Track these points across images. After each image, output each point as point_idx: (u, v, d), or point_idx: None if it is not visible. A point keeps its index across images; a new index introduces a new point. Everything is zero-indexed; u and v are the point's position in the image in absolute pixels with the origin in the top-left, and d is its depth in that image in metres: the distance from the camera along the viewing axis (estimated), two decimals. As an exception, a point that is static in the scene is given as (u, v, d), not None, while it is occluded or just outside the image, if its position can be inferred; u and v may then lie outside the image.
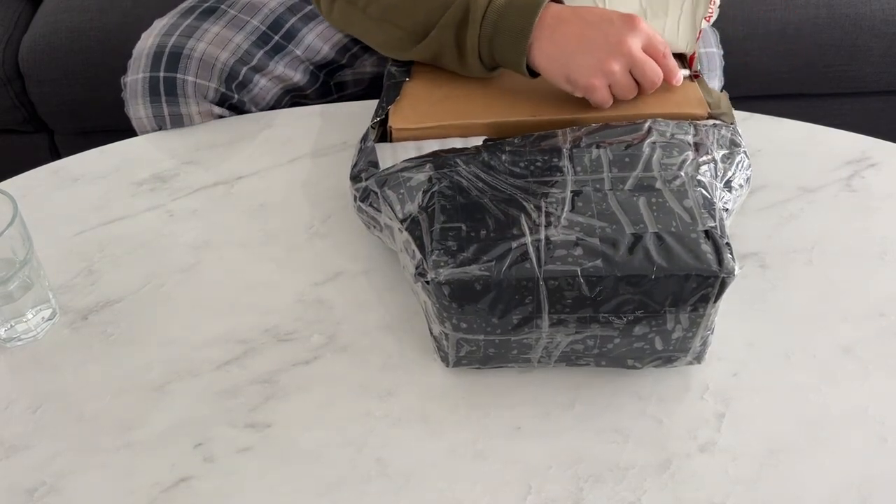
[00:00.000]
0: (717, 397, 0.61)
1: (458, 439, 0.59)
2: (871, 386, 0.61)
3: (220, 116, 0.91)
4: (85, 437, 0.60)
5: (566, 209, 0.60)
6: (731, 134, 0.68)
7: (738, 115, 0.88)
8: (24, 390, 0.63)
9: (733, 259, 0.56)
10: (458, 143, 0.70)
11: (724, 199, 0.64)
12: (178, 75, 0.87)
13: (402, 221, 0.63)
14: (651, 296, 0.56)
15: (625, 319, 0.57)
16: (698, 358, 0.61)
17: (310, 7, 0.97)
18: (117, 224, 0.77)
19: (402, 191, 0.64)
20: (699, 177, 0.62)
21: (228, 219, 0.77)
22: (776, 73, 1.40)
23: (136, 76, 0.88)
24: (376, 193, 0.66)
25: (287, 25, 0.95)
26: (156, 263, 0.73)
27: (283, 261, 0.72)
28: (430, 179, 0.64)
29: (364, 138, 0.72)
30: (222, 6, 0.93)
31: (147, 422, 0.60)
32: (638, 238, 0.57)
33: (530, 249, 0.57)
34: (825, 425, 0.59)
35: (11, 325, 0.65)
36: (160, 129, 0.90)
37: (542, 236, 0.58)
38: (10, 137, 1.50)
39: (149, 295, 0.70)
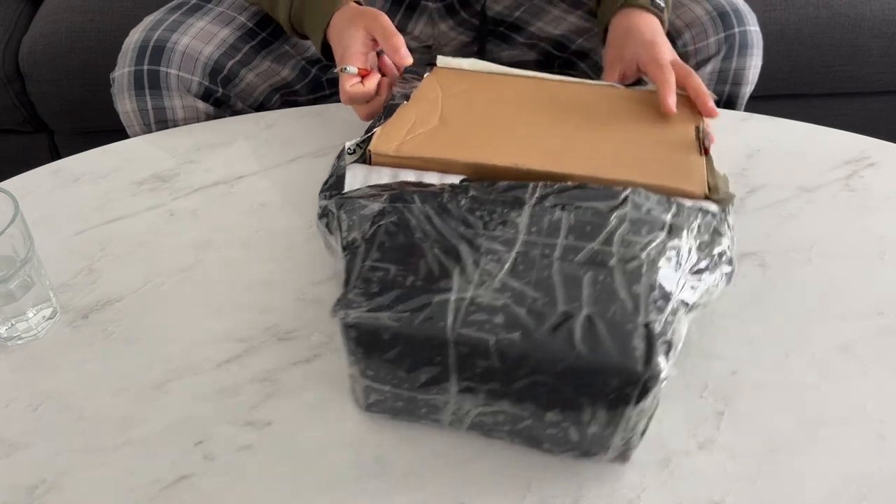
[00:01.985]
0: (717, 395, 0.61)
1: (458, 437, 0.59)
2: (869, 384, 0.61)
3: (206, 112, 0.91)
4: (85, 435, 0.60)
5: (504, 271, 0.55)
6: (718, 223, 0.62)
7: (738, 116, 0.88)
8: (24, 389, 0.63)
9: (667, 361, 0.51)
10: (434, 177, 0.67)
11: (685, 292, 0.56)
12: (161, 68, 0.87)
13: (343, 248, 0.60)
14: (565, 382, 0.51)
15: (536, 402, 0.53)
16: (622, 457, 0.56)
17: None
18: (118, 223, 0.77)
19: (354, 217, 0.61)
20: (661, 262, 0.56)
21: (228, 218, 0.77)
22: (776, 73, 1.40)
23: (122, 70, 0.89)
24: (333, 214, 0.63)
25: (275, 23, 0.95)
26: (156, 263, 0.73)
27: (282, 260, 0.72)
28: (382, 212, 0.61)
29: (339, 156, 0.70)
30: (210, 4, 0.94)
31: (147, 420, 0.60)
32: (567, 317, 0.52)
33: (450, 307, 0.53)
34: (824, 423, 0.59)
35: (12, 324, 0.65)
36: (145, 124, 0.90)
37: (469, 296, 0.54)
38: (10, 137, 1.50)
39: (149, 294, 0.70)
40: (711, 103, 0.75)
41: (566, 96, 0.78)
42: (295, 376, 0.63)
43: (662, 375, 0.50)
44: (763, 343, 0.65)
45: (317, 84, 1.02)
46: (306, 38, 0.89)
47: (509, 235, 0.58)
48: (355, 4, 0.83)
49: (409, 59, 0.78)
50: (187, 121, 0.91)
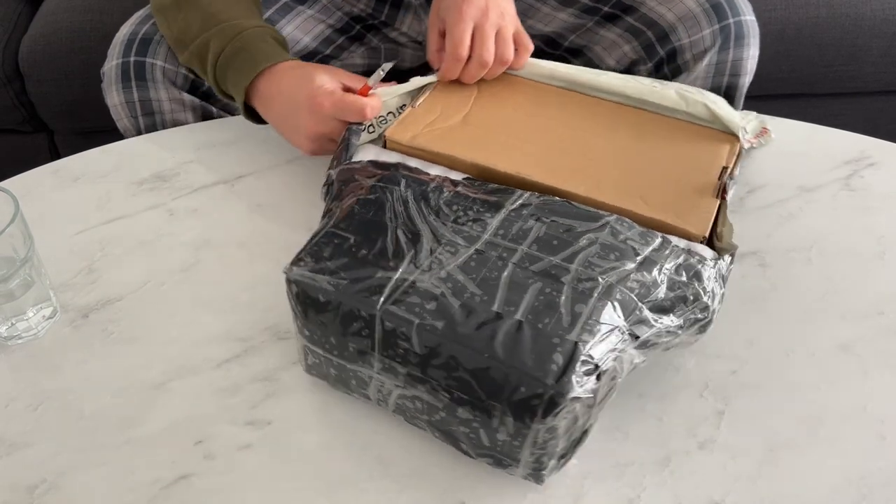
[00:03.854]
0: (717, 395, 0.61)
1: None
2: (869, 384, 0.61)
3: (192, 105, 0.91)
4: (85, 434, 0.60)
5: (456, 263, 0.56)
6: (703, 267, 0.59)
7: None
8: (24, 388, 0.63)
9: (584, 384, 0.49)
10: (439, 169, 0.68)
11: (638, 325, 0.54)
12: (148, 59, 0.88)
13: (324, 214, 0.64)
14: (477, 380, 0.51)
15: (449, 395, 0.53)
16: (535, 476, 0.54)
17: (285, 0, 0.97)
18: (118, 223, 0.77)
19: (346, 188, 0.64)
20: (618, 289, 0.54)
21: (228, 218, 0.77)
22: (776, 73, 1.40)
23: (110, 64, 0.89)
24: (333, 184, 0.66)
25: (263, 17, 0.95)
26: (156, 262, 0.73)
27: (282, 260, 0.72)
28: (370, 188, 0.63)
29: (351, 131, 0.72)
30: None
31: (147, 419, 0.60)
32: (497, 318, 0.52)
33: (389, 285, 0.54)
34: (824, 423, 0.59)
35: (12, 324, 0.65)
36: (132, 116, 0.90)
37: (412, 278, 0.55)
38: (9, 137, 1.50)
39: (149, 293, 0.70)
40: (452, 71, 0.77)
41: (600, 115, 0.76)
42: (295, 376, 0.63)
43: (572, 395, 0.49)
44: (763, 343, 0.65)
45: None
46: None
47: (475, 233, 0.58)
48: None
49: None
50: (174, 113, 0.91)
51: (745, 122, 0.80)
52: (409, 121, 0.74)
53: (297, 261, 0.57)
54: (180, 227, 0.76)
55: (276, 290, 0.70)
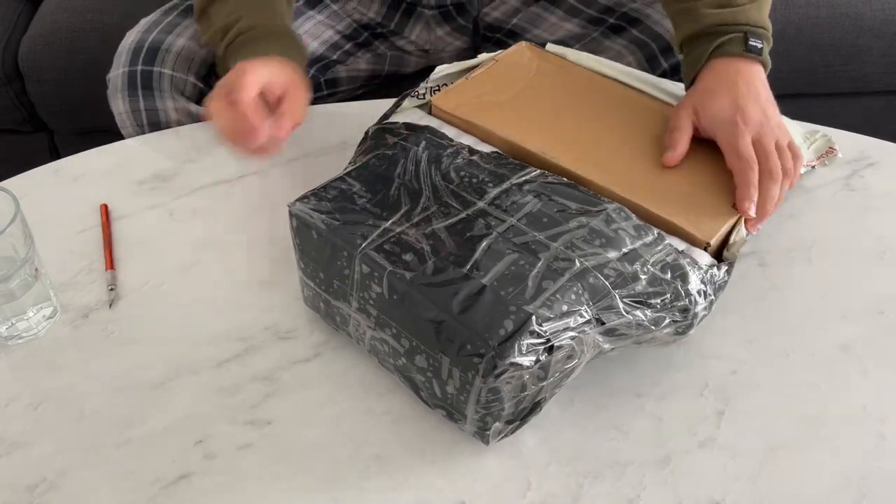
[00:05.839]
0: (717, 394, 0.61)
1: (459, 436, 0.59)
2: (869, 383, 0.61)
3: (198, 116, 0.91)
4: (86, 434, 0.60)
5: (444, 224, 0.59)
6: (692, 269, 0.58)
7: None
8: (25, 388, 0.63)
9: (525, 353, 0.51)
10: (470, 139, 0.70)
11: (606, 312, 0.54)
12: (155, 68, 0.87)
13: (348, 165, 0.68)
14: (432, 332, 0.53)
15: (408, 343, 0.56)
16: (481, 435, 0.57)
17: (295, 5, 0.97)
18: (118, 223, 0.77)
19: (375, 143, 0.68)
20: (593, 274, 0.55)
21: (229, 218, 0.77)
22: (776, 73, 1.40)
23: (116, 71, 0.89)
24: (367, 140, 0.71)
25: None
26: (156, 262, 0.73)
27: (283, 260, 0.72)
28: (392, 145, 0.66)
29: (403, 96, 0.76)
30: None
31: (148, 419, 0.60)
32: (465, 278, 0.54)
33: (375, 233, 0.58)
34: (824, 423, 0.59)
35: (13, 323, 0.65)
36: (138, 125, 0.90)
37: (399, 230, 0.58)
38: (9, 137, 1.50)
39: (149, 293, 0.70)
40: (751, 207, 0.65)
41: (650, 116, 0.74)
42: (295, 375, 0.63)
43: (512, 360, 0.50)
44: (763, 342, 0.65)
45: (315, 86, 1.02)
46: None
47: (471, 199, 0.61)
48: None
49: (284, 132, 0.70)
50: (181, 124, 0.90)
51: (809, 141, 0.79)
52: (457, 90, 0.76)
53: (302, 198, 0.61)
54: (180, 227, 0.76)
55: (276, 290, 0.70)
